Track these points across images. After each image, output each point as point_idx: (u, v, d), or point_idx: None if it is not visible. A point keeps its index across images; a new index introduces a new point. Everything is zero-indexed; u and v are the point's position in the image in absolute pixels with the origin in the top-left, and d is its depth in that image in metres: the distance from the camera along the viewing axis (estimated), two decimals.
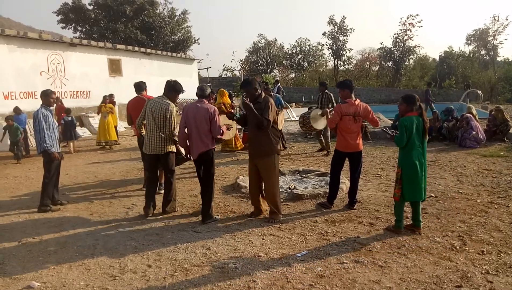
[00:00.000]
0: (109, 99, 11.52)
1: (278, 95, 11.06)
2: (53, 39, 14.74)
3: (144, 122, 5.09)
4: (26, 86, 13.02)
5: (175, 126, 4.96)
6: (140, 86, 6.22)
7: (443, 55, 41.07)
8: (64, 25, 30.10)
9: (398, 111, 4.46)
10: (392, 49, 35.31)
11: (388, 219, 4.68)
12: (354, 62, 40.69)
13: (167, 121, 4.84)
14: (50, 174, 5.45)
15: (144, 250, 3.96)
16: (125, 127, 15.24)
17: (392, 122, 11.76)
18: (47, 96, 5.51)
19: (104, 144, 11.02)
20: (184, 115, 4.76)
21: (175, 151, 5.07)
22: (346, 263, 3.59)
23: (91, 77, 15.62)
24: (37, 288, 3.24)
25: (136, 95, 6.18)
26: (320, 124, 8.42)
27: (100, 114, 11.29)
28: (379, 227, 4.47)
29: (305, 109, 12.65)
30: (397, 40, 34.70)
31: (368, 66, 41.08)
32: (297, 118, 10.08)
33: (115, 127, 11.57)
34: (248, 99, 4.69)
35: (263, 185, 4.87)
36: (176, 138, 4.94)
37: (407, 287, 3.16)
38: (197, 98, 4.83)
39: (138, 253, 3.88)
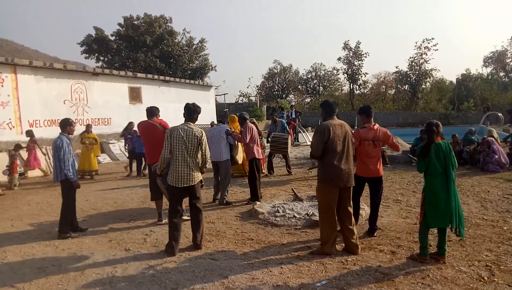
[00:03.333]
0: (90, 129, 11.28)
1: (283, 120, 11.84)
2: (77, 69, 15.35)
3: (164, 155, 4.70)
4: (50, 114, 13.49)
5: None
6: (152, 111, 5.99)
7: (460, 77, 40.76)
8: (87, 55, 31.29)
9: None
10: (408, 72, 35.29)
11: (410, 247, 4.54)
12: (370, 86, 40.75)
13: (202, 149, 4.65)
14: (70, 201, 5.54)
15: (161, 278, 3.93)
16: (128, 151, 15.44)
17: (410, 146, 11.58)
18: (69, 125, 5.66)
19: (87, 174, 10.83)
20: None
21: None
22: None
23: (112, 105, 16.08)
24: None
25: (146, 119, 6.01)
26: (289, 148, 9.75)
27: (82, 143, 10.92)
28: (401, 255, 4.33)
29: None
30: (413, 63, 34.72)
31: (384, 90, 41.01)
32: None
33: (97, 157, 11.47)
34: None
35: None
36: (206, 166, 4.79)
37: None
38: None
39: (156, 282, 3.85)
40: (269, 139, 9.85)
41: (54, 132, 6.10)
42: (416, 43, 36.64)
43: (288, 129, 11.28)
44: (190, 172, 4.60)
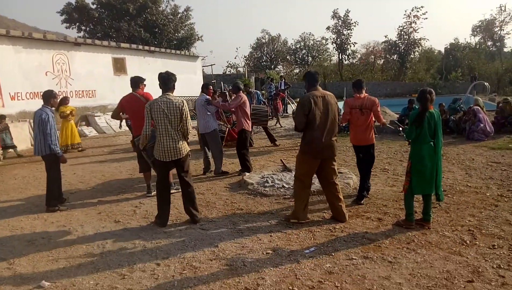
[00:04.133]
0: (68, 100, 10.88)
1: (258, 92, 11.86)
2: (57, 39, 14.78)
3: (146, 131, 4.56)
4: (32, 87, 13.08)
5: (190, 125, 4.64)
6: (135, 82, 5.78)
7: (448, 47, 40.73)
8: (68, 24, 30.16)
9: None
10: (397, 42, 35.02)
11: (396, 214, 4.65)
12: (359, 56, 40.46)
13: (184, 120, 4.48)
14: (56, 175, 5.47)
15: (152, 248, 3.97)
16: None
17: (398, 116, 11.67)
18: (53, 97, 5.50)
19: (71, 147, 10.51)
20: None
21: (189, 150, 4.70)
22: (355, 259, 3.57)
23: (96, 76, 15.66)
24: (48, 288, 3.26)
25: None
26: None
27: (61, 116, 10.41)
28: (387, 222, 4.44)
29: None
30: (402, 32, 34.40)
31: (373, 60, 40.81)
32: None
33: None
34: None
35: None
36: (188, 138, 4.62)
37: (418, 282, 3.13)
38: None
39: (147, 252, 3.89)
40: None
41: (37, 104, 5.93)
42: (406, 11, 36.23)
43: (263, 100, 11.21)
44: (176, 145, 4.44)
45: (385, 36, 37.61)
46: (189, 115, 4.56)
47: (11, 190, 6.64)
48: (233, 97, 7.29)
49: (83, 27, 30.56)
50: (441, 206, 4.81)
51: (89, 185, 6.81)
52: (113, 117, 6.17)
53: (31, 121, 10.83)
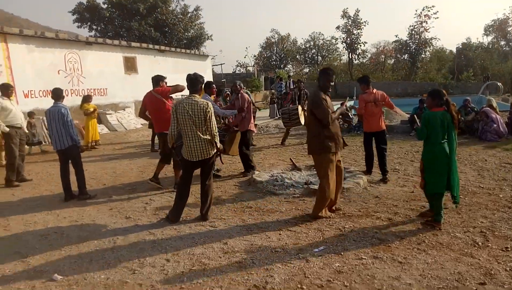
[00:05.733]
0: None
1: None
2: (69, 38, 14.97)
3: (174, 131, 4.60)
4: (45, 85, 13.26)
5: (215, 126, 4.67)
6: (157, 80, 6.04)
7: (460, 46, 40.20)
8: (79, 24, 30.50)
9: (425, 106, 4.53)
10: (408, 41, 34.71)
11: (407, 215, 4.62)
12: (369, 55, 40.20)
13: (208, 122, 4.51)
14: (81, 163, 5.92)
15: (162, 244, 4.00)
16: (141, 124, 15.41)
17: (409, 115, 11.57)
18: (62, 93, 5.89)
19: (94, 144, 10.83)
20: None
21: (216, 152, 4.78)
22: (365, 258, 3.55)
23: (107, 75, 15.83)
24: (60, 281, 3.31)
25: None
26: (302, 119, 9.45)
27: (85, 114, 10.77)
28: (397, 222, 4.41)
29: None
30: (413, 32, 34.09)
31: (383, 59, 40.52)
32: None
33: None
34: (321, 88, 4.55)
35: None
36: (217, 139, 4.65)
37: (428, 283, 3.11)
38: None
39: (157, 248, 3.93)
40: (280, 113, 9.85)
41: (50, 102, 6.09)
42: (416, 11, 35.88)
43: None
44: (202, 146, 4.50)
45: (396, 36, 37.44)
46: (213, 116, 4.59)
47: (25, 186, 6.75)
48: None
49: (94, 27, 30.87)
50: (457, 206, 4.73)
51: (101, 181, 6.89)
52: (140, 116, 6.53)
53: (44, 118, 11.00)
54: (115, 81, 16.07)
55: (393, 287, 3.06)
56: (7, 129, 6.71)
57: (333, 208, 4.77)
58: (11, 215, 5.13)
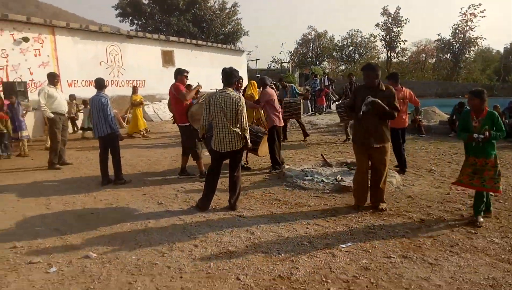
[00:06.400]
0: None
1: (293, 85, 11.50)
2: (111, 31, 15.54)
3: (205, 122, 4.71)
4: (87, 75, 13.86)
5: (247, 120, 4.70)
6: (175, 74, 6.20)
7: (509, 47, 38.08)
8: (121, 18, 31.52)
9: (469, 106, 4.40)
10: (451, 40, 33.34)
11: (440, 216, 4.47)
12: (409, 54, 38.93)
13: (239, 115, 4.56)
14: (119, 150, 6.17)
15: (191, 230, 4.10)
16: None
17: (448, 116, 11.13)
18: (103, 83, 6.16)
19: (144, 132, 11.53)
20: None
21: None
22: (393, 257, 3.48)
23: (146, 67, 16.30)
24: (94, 259, 3.48)
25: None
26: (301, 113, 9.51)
27: (133, 105, 11.54)
28: (430, 223, 4.28)
29: None
30: (457, 31, 32.67)
31: (424, 59, 39.11)
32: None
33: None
34: (366, 85, 4.61)
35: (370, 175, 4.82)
36: (247, 134, 4.67)
37: (459, 287, 3.00)
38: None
39: (186, 233, 4.03)
40: (282, 104, 9.54)
41: (91, 92, 6.44)
42: (462, 9, 34.32)
43: (299, 93, 11.04)
44: (231, 138, 4.58)
45: (438, 34, 35.80)
46: (245, 110, 4.65)
47: (65, 169, 7.12)
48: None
49: (135, 21, 31.79)
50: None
51: (136, 168, 7.14)
52: (168, 107, 6.65)
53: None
54: (153, 73, 16.52)
55: (422, 288, 2.98)
56: (52, 115, 7.08)
57: (380, 207, 4.69)
58: (52, 195, 5.43)
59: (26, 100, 10.76)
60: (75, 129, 12.38)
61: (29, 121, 10.07)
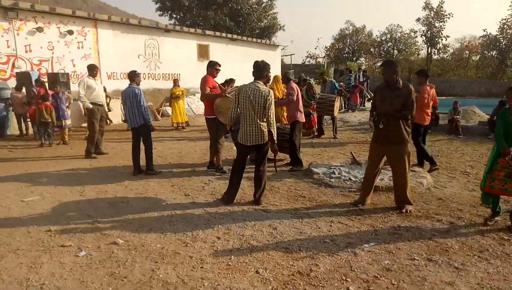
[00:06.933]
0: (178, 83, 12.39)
1: (333, 80, 11.26)
2: (150, 25, 15.97)
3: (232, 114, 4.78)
4: (126, 68, 14.32)
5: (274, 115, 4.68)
6: (207, 66, 6.33)
7: None
8: (161, 12, 32.29)
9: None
10: (498, 36, 31.50)
11: (472, 220, 4.30)
12: (451, 50, 37.23)
13: (267, 110, 4.56)
14: (151, 142, 6.37)
15: (215, 223, 4.19)
16: None
17: (489, 116, 10.60)
18: (137, 76, 6.30)
19: (180, 125, 11.80)
20: None
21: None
22: (417, 260, 3.39)
23: (181, 61, 16.64)
24: (121, 245, 3.64)
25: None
26: (336, 111, 9.54)
27: (172, 97, 11.90)
28: (460, 227, 4.12)
29: None
30: (505, 26, 30.82)
31: (467, 56, 37.29)
32: None
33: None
34: (384, 81, 4.60)
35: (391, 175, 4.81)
36: (274, 129, 4.64)
37: None
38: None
39: (209, 225, 4.12)
40: (316, 100, 9.34)
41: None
42: None
43: (339, 89, 10.73)
44: (258, 132, 4.60)
45: (484, 30, 34.06)
46: (273, 105, 4.64)
47: (101, 158, 7.45)
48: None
49: (174, 15, 32.46)
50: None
51: (166, 160, 7.35)
52: (201, 100, 6.76)
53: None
54: (188, 67, 16.83)
55: None
56: (91, 106, 7.41)
57: (404, 211, 4.57)
58: (87, 183, 5.70)
59: (68, 91, 11.29)
60: (108, 122, 12.76)
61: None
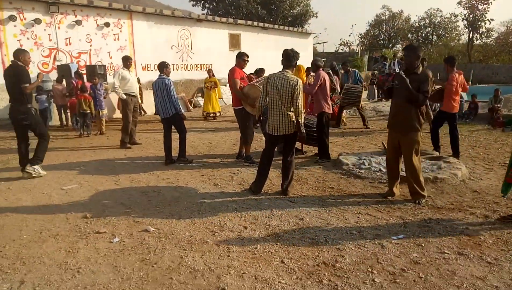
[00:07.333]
0: (212, 72, 12.45)
1: (356, 70, 10.79)
2: (182, 15, 16.15)
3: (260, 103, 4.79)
4: (160, 59, 14.53)
5: (303, 105, 4.63)
6: (236, 57, 6.36)
7: None
8: (194, 2, 32.60)
9: None
10: None
11: (509, 214, 4.11)
12: (495, 35, 35.13)
13: (294, 99, 4.51)
14: (185, 129, 6.54)
15: (242, 212, 4.26)
16: None
17: None
18: (165, 67, 6.47)
19: (210, 115, 11.96)
20: None
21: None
22: (448, 253, 3.31)
23: (213, 51, 16.75)
24: (152, 233, 3.78)
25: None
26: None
27: (206, 88, 12.06)
28: (495, 220, 3.97)
29: None
30: None
31: None
32: None
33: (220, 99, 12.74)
34: (404, 66, 4.56)
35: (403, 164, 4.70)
36: (302, 119, 4.60)
37: None
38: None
39: (237, 215, 4.20)
40: (342, 90, 9.03)
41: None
42: None
43: (361, 80, 10.36)
44: (285, 121, 4.57)
45: None
46: (301, 94, 4.59)
47: (135, 148, 7.72)
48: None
49: (207, 5, 32.66)
50: None
51: (197, 150, 7.51)
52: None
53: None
54: (220, 57, 16.92)
55: (476, 287, 2.82)
56: (125, 96, 7.66)
57: (415, 200, 4.53)
58: (121, 172, 5.94)
59: (105, 82, 11.71)
60: (142, 113, 13.06)
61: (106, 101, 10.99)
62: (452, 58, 6.77)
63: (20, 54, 5.49)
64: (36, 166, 5.65)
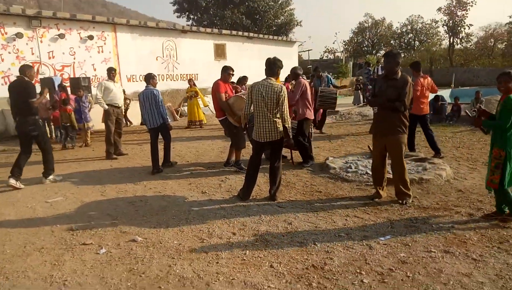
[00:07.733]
0: (193, 82, 12.59)
1: (328, 75, 11.05)
2: (167, 27, 16.18)
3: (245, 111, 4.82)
4: (144, 70, 14.57)
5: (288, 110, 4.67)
6: (222, 71, 6.34)
7: None
8: (179, 14, 32.73)
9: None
10: None
11: (493, 211, 4.19)
12: (475, 39, 36.07)
13: (280, 105, 4.56)
14: (170, 139, 6.74)
15: (231, 219, 4.25)
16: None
17: None
18: (151, 78, 6.50)
19: (193, 123, 12.05)
20: None
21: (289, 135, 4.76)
22: (434, 252, 3.35)
23: (198, 61, 16.79)
24: (140, 242, 3.74)
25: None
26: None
27: (187, 97, 12.25)
28: (479, 219, 4.04)
29: None
30: None
31: (492, 44, 36.05)
32: None
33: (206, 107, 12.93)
34: (385, 72, 4.67)
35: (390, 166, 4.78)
36: (289, 124, 4.65)
37: (504, 285, 2.83)
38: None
39: (225, 221, 4.18)
40: (318, 94, 9.13)
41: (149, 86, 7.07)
42: None
43: (334, 84, 10.60)
44: (272, 128, 4.61)
45: (510, 17, 32.80)
46: (286, 101, 4.63)
47: (121, 159, 7.64)
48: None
49: (191, 16, 32.84)
50: None
51: (184, 159, 7.47)
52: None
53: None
54: (206, 67, 16.97)
55: (462, 284, 2.86)
56: (106, 107, 7.59)
57: (400, 201, 4.60)
58: (108, 183, 5.87)
59: (89, 94, 11.61)
60: (128, 123, 12.93)
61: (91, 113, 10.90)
62: (416, 63, 7.08)
63: (26, 69, 5.76)
64: (51, 177, 5.99)
